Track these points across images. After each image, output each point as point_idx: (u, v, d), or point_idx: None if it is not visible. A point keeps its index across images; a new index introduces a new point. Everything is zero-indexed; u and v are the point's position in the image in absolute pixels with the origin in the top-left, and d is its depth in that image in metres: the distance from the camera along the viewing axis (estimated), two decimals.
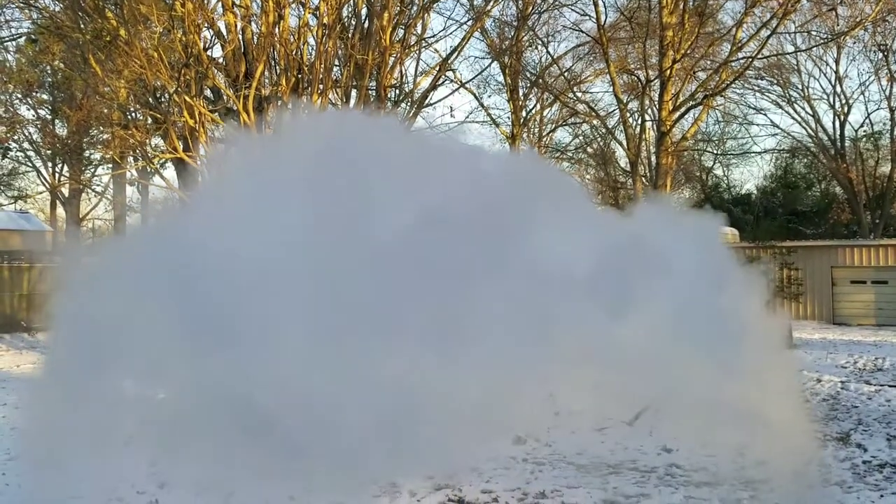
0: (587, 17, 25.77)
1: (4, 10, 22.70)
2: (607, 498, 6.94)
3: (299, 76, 16.95)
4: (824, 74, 35.15)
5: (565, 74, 28.36)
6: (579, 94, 29.50)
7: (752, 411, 9.07)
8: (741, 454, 8.39)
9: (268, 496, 6.90)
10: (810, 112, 35.54)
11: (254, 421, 7.08)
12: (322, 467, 7.35)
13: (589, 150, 36.25)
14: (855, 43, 32.06)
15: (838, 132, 35.64)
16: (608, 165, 35.49)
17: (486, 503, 6.85)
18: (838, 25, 25.93)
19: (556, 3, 25.27)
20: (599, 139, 34.39)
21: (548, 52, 28.10)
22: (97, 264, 7.33)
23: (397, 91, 20.70)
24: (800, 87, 35.05)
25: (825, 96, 35.77)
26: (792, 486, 7.27)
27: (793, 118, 36.02)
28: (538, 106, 33.57)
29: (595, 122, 28.90)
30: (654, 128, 23.61)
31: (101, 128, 26.11)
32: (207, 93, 18.19)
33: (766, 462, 8.07)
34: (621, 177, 35.40)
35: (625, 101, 24.68)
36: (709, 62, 24.47)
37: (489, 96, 49.90)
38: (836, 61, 34.14)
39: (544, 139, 41.13)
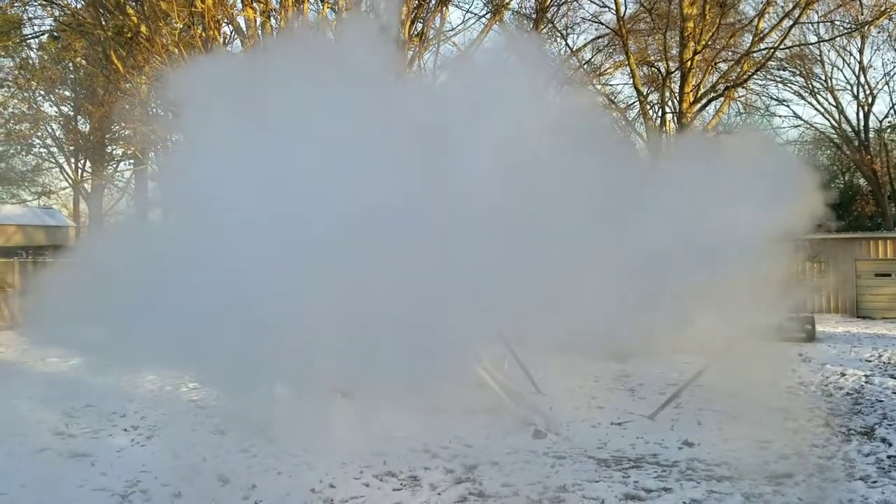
0: (607, 9, 25.60)
1: (27, 7, 22.95)
2: (628, 492, 6.91)
3: None
4: (848, 65, 34.71)
5: (584, 67, 28.19)
6: (599, 87, 29.32)
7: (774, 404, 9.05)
8: (763, 448, 8.34)
9: (289, 488, 6.94)
10: (833, 103, 35.13)
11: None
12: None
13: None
14: (879, 32, 31.65)
15: (862, 123, 35.19)
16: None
17: (506, 497, 6.83)
18: (862, 15, 25.59)
19: None
20: (619, 131, 34.13)
21: (567, 44, 27.95)
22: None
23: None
24: (823, 77, 34.65)
25: (849, 87, 35.33)
26: (815, 481, 7.21)
27: (816, 109, 35.61)
28: (557, 98, 33.38)
29: (615, 114, 28.69)
30: (675, 120, 23.39)
31: (123, 124, 26.33)
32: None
33: (788, 456, 8.02)
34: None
35: (645, 93, 24.52)
36: (730, 53, 24.25)
37: None
38: (860, 51, 33.70)
39: None
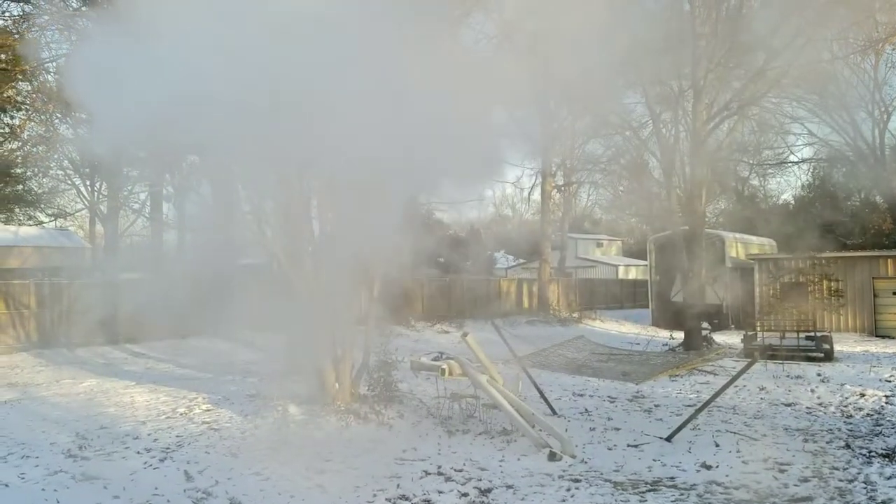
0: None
1: (45, 32, 23.26)
2: None
3: None
4: (862, 82, 34.59)
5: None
6: (611, 106, 29.25)
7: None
8: (783, 471, 8.21)
9: None
10: (848, 120, 34.97)
11: None
12: None
13: (622, 161, 35.93)
14: (893, 50, 31.51)
15: (878, 140, 35.02)
16: (642, 177, 35.14)
17: None
18: (876, 32, 25.47)
19: None
20: (632, 151, 34.09)
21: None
22: None
23: None
24: (837, 94, 34.49)
25: (863, 104, 35.18)
26: None
27: (830, 126, 35.46)
28: (569, 118, 33.31)
29: (627, 133, 28.65)
30: (688, 138, 23.29)
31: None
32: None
33: (808, 479, 7.88)
34: (655, 188, 35.05)
35: (658, 111, 24.42)
36: (743, 71, 24.14)
37: None
38: (875, 68, 33.59)
39: (576, 151, 40.90)
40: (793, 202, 44.68)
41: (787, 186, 75.42)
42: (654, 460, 8.77)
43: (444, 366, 10.03)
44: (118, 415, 10.97)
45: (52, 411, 11.32)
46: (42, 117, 29.14)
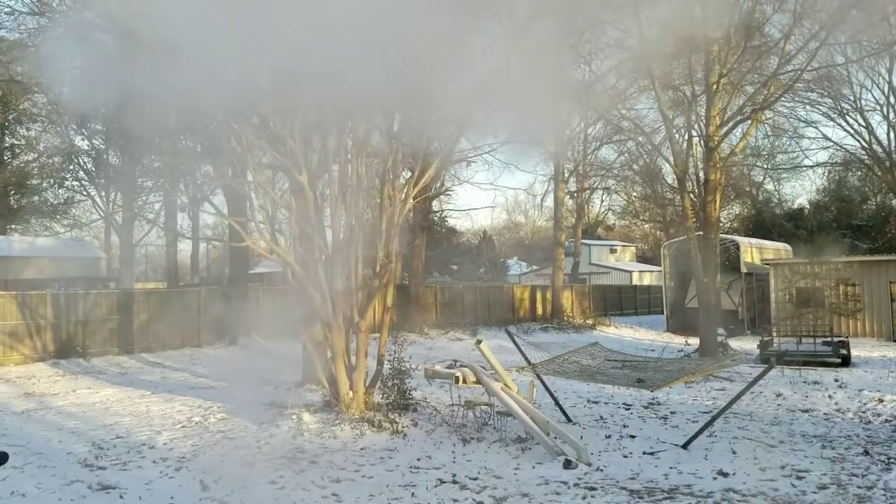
0: (630, 34, 25.50)
1: (59, 44, 23.48)
2: None
3: None
4: (877, 85, 34.41)
5: (609, 91, 28.11)
6: (623, 111, 29.24)
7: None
8: (801, 478, 8.13)
9: None
10: (863, 124, 34.76)
11: None
12: None
13: (635, 167, 35.91)
14: None
15: (893, 143, 34.76)
16: (655, 182, 35.08)
17: None
18: (891, 35, 25.32)
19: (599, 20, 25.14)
20: (645, 156, 34.02)
21: (591, 69, 27.91)
22: None
23: None
24: (851, 98, 34.33)
25: (878, 107, 34.99)
26: None
27: (845, 130, 35.28)
28: (582, 124, 33.36)
29: (640, 138, 28.59)
30: (702, 143, 23.19)
31: (153, 156, 26.72)
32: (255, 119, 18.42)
33: (827, 486, 7.81)
34: (669, 193, 34.98)
35: (671, 116, 24.37)
36: (756, 76, 24.06)
37: None
38: (889, 71, 33.39)
39: (589, 157, 40.87)
40: (808, 206, 44.41)
41: (801, 191, 75.05)
42: (671, 468, 8.71)
43: (458, 374, 10.01)
44: (134, 424, 11.02)
45: (68, 421, 11.39)
46: (58, 128, 29.41)
